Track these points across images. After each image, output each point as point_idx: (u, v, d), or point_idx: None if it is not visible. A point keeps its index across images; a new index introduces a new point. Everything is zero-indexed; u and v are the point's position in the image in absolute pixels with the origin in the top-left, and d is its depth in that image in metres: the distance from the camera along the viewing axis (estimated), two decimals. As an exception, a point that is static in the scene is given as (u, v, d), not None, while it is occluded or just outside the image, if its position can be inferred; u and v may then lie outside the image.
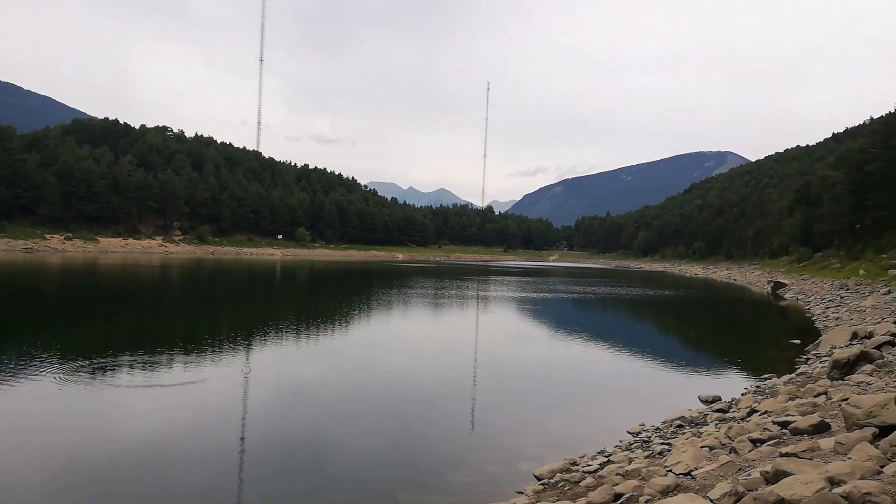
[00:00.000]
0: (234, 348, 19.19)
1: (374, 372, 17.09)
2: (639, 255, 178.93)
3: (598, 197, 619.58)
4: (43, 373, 14.34)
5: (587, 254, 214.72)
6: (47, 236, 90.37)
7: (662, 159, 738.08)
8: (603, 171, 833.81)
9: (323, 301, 37.03)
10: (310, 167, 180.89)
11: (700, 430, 10.52)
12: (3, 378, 13.80)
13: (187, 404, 12.54)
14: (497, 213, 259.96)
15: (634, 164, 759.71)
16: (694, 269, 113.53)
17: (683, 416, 11.82)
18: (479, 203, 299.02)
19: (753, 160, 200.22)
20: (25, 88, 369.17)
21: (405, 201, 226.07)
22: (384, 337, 24.21)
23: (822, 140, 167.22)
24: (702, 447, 8.63)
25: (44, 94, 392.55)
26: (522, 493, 8.35)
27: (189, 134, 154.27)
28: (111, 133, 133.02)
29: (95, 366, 15.31)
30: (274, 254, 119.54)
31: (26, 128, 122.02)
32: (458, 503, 8.27)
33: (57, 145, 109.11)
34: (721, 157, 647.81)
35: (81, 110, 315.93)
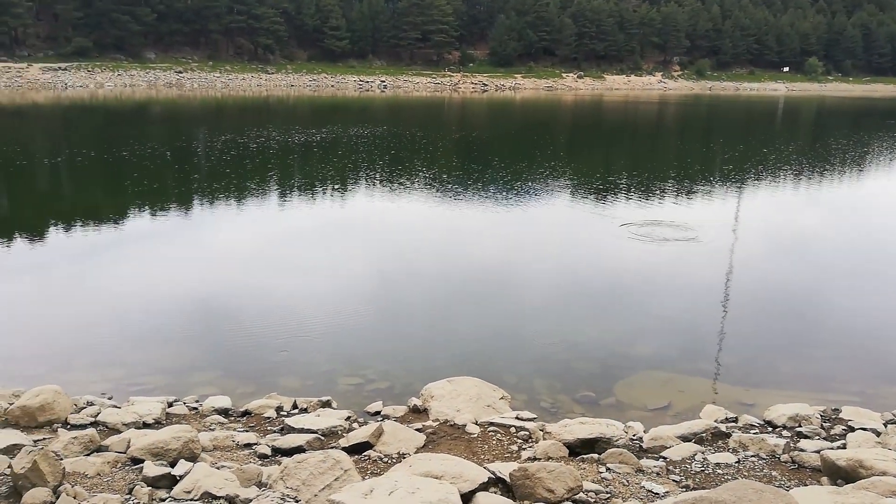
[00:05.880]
0: (725, 194, 18.98)
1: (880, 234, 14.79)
2: None
3: None
4: (550, 192, 17.02)
5: None
6: (563, 75, 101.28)
7: None
8: None
9: (832, 145, 32.45)
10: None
11: None
12: (516, 190, 16.96)
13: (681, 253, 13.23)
14: None
15: None
16: None
17: None
18: None
19: None
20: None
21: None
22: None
23: None
24: None
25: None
26: None
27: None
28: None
29: (595, 194, 17.33)
30: (777, 89, 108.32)
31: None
32: None
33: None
34: None
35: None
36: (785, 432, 5.52)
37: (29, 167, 19.92)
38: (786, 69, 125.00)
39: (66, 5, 70.81)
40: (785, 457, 4.89)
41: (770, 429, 5.68)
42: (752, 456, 4.92)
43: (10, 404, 5.50)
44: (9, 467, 4.03)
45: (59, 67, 66.02)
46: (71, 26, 71.87)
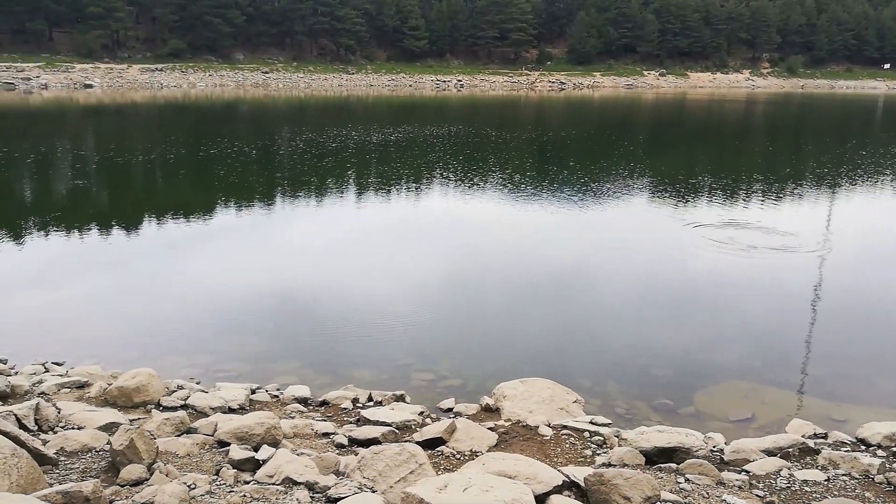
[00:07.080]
0: (817, 198, 17.98)
1: None
2: None
3: None
4: (629, 194, 16.57)
5: None
6: (644, 73, 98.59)
7: None
8: None
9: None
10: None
11: None
12: (592, 191, 16.60)
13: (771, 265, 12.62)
14: None
15: None
16: None
17: None
18: None
19: None
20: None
21: None
22: None
23: None
24: None
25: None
26: None
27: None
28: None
29: (674, 196, 16.76)
30: (876, 87, 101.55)
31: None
32: None
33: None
34: None
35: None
36: (880, 452, 5.19)
37: (125, 164, 21.20)
38: (887, 66, 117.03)
39: (164, 9, 74.97)
40: (880, 478, 4.60)
41: (863, 447, 5.35)
42: (843, 475, 4.65)
43: (109, 384, 5.89)
44: (108, 443, 4.32)
45: (156, 68, 69.94)
46: (167, 29, 76.01)
